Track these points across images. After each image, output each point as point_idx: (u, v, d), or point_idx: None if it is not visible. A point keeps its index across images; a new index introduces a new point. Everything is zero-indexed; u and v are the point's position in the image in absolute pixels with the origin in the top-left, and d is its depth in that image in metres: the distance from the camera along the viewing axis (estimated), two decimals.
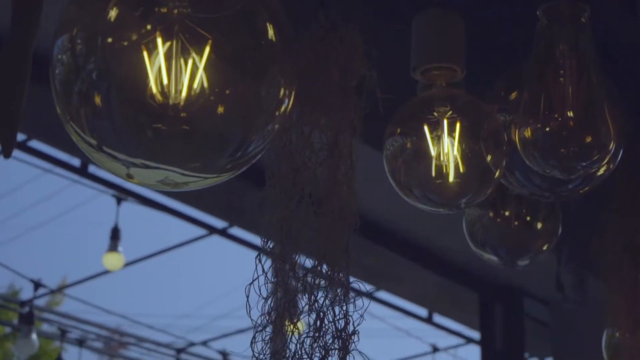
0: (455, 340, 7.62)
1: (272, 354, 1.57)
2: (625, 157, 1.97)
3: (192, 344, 8.53)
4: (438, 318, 6.66)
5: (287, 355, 1.58)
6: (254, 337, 1.59)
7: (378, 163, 2.07)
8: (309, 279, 1.64)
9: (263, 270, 1.62)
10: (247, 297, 1.59)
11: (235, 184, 4.39)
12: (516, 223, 2.23)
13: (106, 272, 6.60)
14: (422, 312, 6.60)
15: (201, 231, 5.80)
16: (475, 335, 6.32)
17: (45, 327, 9.97)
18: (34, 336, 6.97)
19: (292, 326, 1.60)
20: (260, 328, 1.59)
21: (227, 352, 8.25)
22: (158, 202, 5.21)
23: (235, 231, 5.60)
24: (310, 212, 1.69)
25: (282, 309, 1.59)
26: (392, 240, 5.06)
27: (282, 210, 1.68)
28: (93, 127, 1.34)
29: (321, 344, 1.60)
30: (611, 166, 1.92)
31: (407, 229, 5.04)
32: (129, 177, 1.37)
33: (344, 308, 1.65)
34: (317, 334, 1.59)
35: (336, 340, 1.61)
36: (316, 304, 1.63)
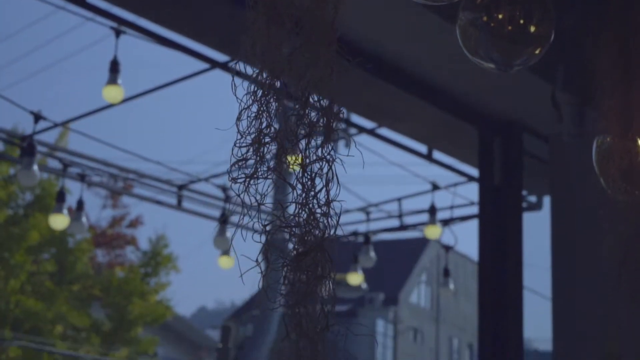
0: (455, 178, 7.67)
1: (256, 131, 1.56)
2: None
3: (193, 181, 8.60)
4: (438, 155, 6.68)
5: (272, 133, 1.58)
6: (239, 115, 1.58)
7: None
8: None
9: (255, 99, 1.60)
10: (238, 131, 1.57)
11: (237, 14, 4.33)
12: (509, 28, 2.19)
13: (108, 106, 6.60)
14: (422, 149, 6.62)
15: (203, 65, 5.77)
16: (476, 173, 6.35)
17: (50, 164, 10.05)
18: (35, 167, 7.01)
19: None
20: (245, 106, 1.58)
21: (227, 186, 8.31)
22: (159, 35, 5.15)
23: (240, 66, 5.53)
24: (293, 33, 1.66)
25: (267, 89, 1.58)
26: (394, 75, 5.03)
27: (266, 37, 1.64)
28: None
29: (306, 122, 1.59)
30: None
31: (409, 63, 5.01)
32: None
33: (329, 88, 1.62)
34: (301, 111, 1.58)
35: (321, 118, 1.60)
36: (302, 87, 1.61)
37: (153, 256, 17.28)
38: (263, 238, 1.55)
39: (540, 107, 5.02)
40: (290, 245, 1.57)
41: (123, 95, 6.35)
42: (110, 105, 6.59)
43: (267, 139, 1.57)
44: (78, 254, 16.36)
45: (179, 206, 8.66)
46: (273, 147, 1.57)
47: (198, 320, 56.30)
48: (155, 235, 17.67)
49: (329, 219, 1.55)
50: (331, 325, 1.55)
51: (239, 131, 1.57)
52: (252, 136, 1.57)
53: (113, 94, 6.25)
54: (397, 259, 37.43)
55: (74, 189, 17.65)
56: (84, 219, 8.05)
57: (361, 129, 6.54)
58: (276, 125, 1.59)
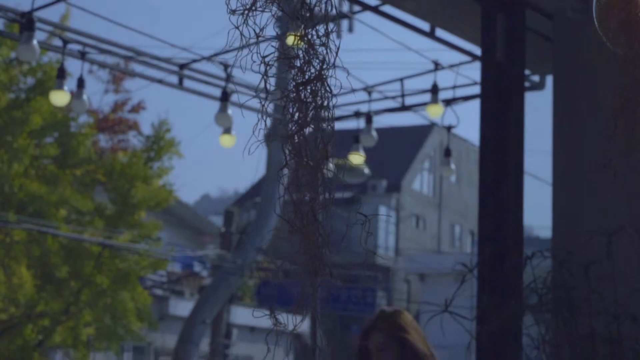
0: (458, 57, 7.60)
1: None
2: None
3: (195, 60, 8.53)
4: (441, 33, 6.61)
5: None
6: None
7: None
8: None
9: None
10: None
11: None
12: None
13: None
14: (425, 26, 6.55)
15: None
16: (479, 52, 6.28)
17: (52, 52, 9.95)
18: (34, 42, 6.95)
19: None
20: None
21: (228, 63, 8.25)
22: None
23: None
24: None
25: None
26: None
27: None
28: None
29: None
30: None
31: None
32: None
33: None
34: None
35: None
36: None
37: (156, 141, 17.28)
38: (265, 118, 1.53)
39: None
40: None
41: None
42: None
43: None
44: (81, 138, 16.36)
45: (180, 85, 8.61)
46: None
47: (201, 207, 56.73)
48: (157, 119, 17.63)
49: (328, 51, 1.53)
50: (331, 154, 1.55)
51: None
52: None
53: None
54: (400, 146, 37.49)
55: (74, 71, 17.57)
56: (85, 97, 8.01)
57: (365, 6, 6.46)
58: None
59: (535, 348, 3.04)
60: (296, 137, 1.50)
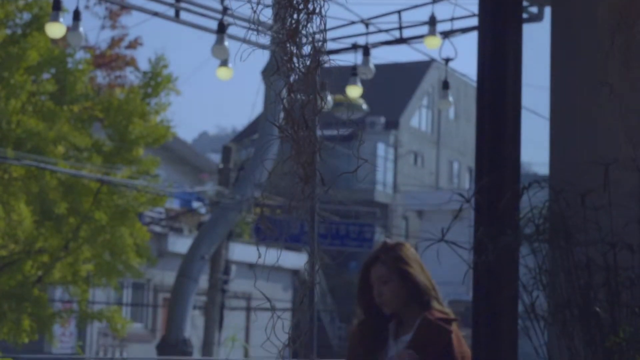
0: None
1: None
2: None
3: None
4: None
5: None
6: None
7: None
8: None
9: None
10: None
11: None
12: None
13: None
14: None
15: None
16: None
17: None
18: None
19: None
20: None
21: None
22: None
23: None
24: None
25: None
26: None
27: None
28: None
29: None
30: None
31: None
32: None
33: None
34: None
35: None
36: None
37: (153, 77, 17.18)
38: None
39: None
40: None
41: None
42: None
43: None
44: (78, 74, 16.28)
45: (177, 18, 8.55)
46: None
47: (200, 145, 56.71)
48: (154, 56, 17.51)
49: None
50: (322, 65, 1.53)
51: None
52: None
53: None
54: (399, 83, 37.36)
55: (70, 7, 17.40)
56: (81, 29, 7.95)
57: None
58: None
59: (532, 277, 3.05)
60: (288, 44, 1.48)
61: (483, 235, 3.15)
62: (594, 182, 3.06)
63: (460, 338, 4.24)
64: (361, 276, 4.40)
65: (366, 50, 8.81)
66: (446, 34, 8.33)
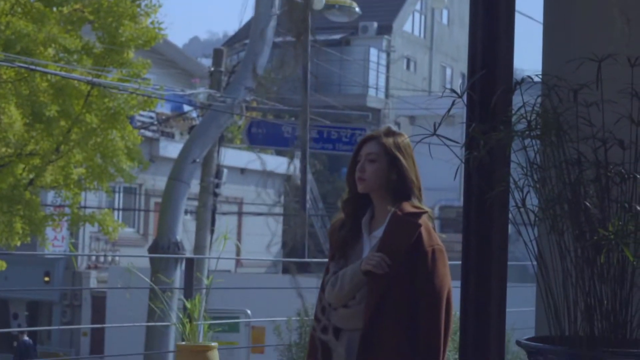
0: None
1: None
2: None
3: None
4: None
5: None
6: None
7: None
8: None
9: None
10: None
11: None
12: None
13: None
14: None
15: None
16: None
17: None
18: None
19: None
20: None
21: None
22: None
23: None
24: None
25: None
26: None
27: None
28: None
29: None
30: None
31: None
32: None
33: None
34: None
35: None
36: None
37: None
38: None
39: None
40: None
41: None
42: None
43: None
44: None
45: None
46: None
47: (191, 50, 56.30)
48: None
49: None
50: None
51: None
52: None
53: None
54: None
55: None
56: None
57: None
58: None
59: (523, 174, 3.05)
60: None
61: (475, 131, 3.14)
62: (587, 78, 3.05)
63: (431, 231, 4.18)
64: (354, 152, 4.35)
65: None
66: None
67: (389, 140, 4.27)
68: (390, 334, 4.09)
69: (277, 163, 30.90)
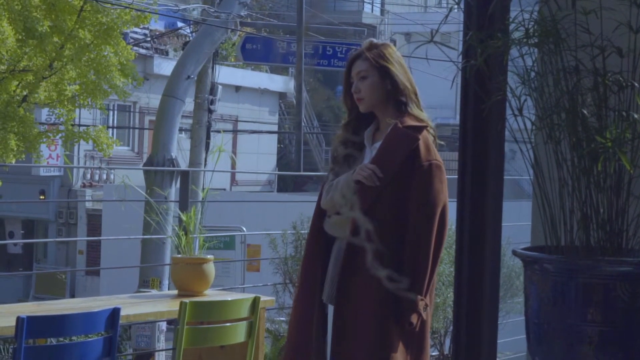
0: None
1: None
2: None
3: None
4: None
5: None
6: None
7: None
8: None
9: None
10: None
11: None
12: None
13: None
14: None
15: None
16: None
17: None
18: None
19: None
20: None
21: None
22: None
23: None
24: None
25: None
26: None
27: None
28: None
29: None
30: None
31: None
32: None
33: None
34: None
35: None
36: None
37: None
38: None
39: None
40: None
41: None
42: None
43: None
44: None
45: None
46: None
47: None
48: None
49: None
50: None
51: None
52: None
53: None
54: None
55: None
56: None
57: None
58: None
59: (520, 81, 3.02)
60: None
61: (472, 39, 3.10)
62: None
63: (430, 145, 4.17)
64: (345, 74, 4.35)
65: None
66: None
67: (374, 53, 4.26)
68: (375, 243, 4.06)
69: (271, 80, 30.73)
